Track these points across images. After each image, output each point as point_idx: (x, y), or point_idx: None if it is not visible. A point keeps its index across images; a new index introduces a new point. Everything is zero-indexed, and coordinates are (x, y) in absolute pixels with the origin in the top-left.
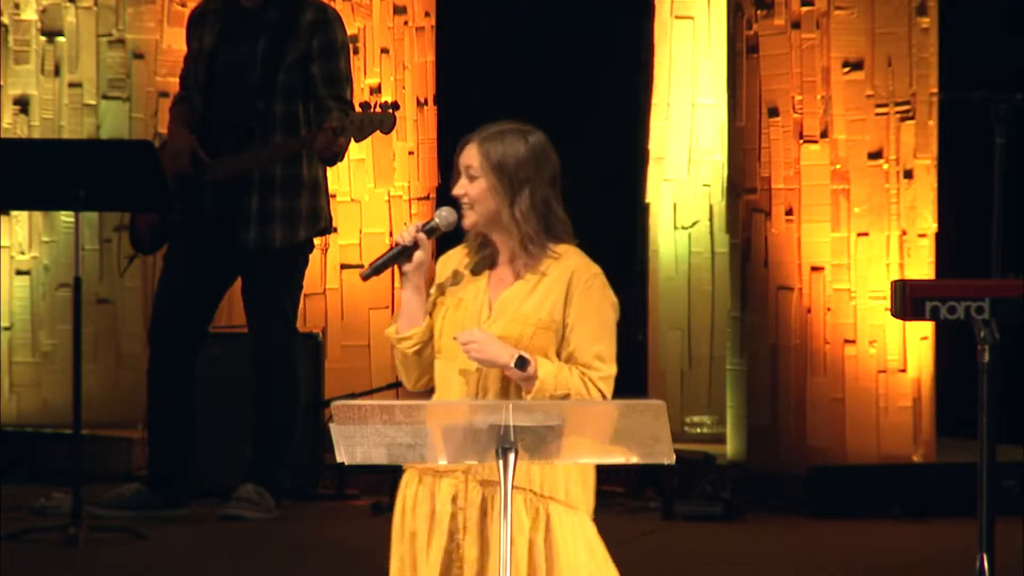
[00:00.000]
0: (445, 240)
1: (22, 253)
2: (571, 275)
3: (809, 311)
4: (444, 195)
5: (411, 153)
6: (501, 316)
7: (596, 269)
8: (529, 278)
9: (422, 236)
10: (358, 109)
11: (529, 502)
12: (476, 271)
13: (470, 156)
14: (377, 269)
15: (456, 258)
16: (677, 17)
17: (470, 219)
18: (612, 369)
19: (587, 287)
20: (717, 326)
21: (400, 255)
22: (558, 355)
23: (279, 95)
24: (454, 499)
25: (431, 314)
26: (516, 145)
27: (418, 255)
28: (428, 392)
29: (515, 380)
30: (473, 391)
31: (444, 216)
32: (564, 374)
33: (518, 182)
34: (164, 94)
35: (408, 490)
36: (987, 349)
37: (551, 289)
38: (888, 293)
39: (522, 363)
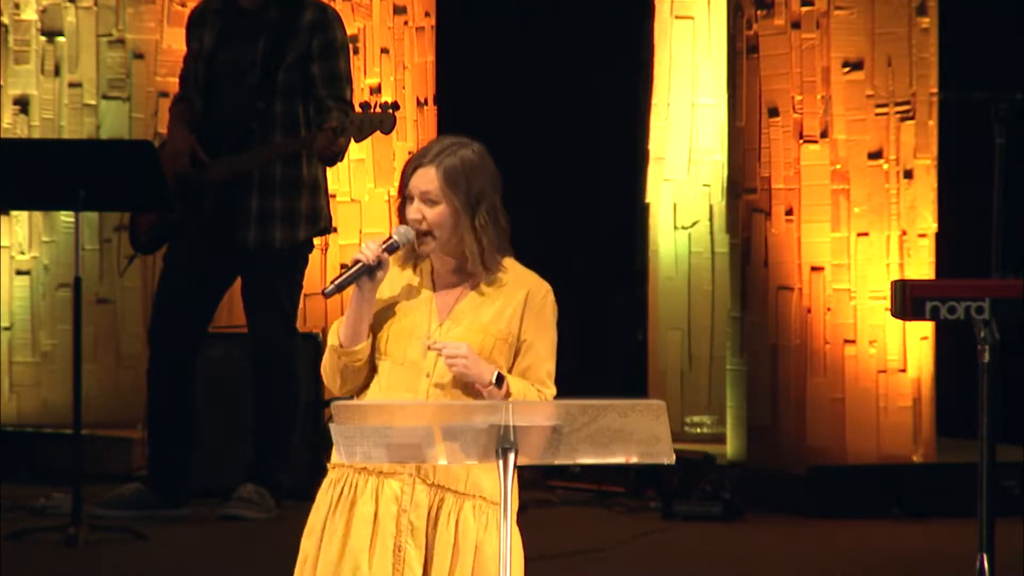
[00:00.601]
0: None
1: (22, 253)
2: (528, 291)
3: (809, 311)
4: None
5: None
6: (457, 325)
7: (547, 286)
8: (484, 289)
9: (384, 255)
10: (358, 109)
11: (479, 508)
12: (414, 278)
13: (427, 180)
14: (340, 287)
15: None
16: (677, 17)
17: (429, 246)
18: (554, 389)
19: (541, 305)
20: (717, 326)
21: (363, 273)
22: (509, 370)
23: (279, 95)
24: (397, 500)
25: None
26: (470, 160)
27: (380, 273)
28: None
29: (487, 396)
30: (423, 395)
31: (403, 233)
32: (529, 392)
33: (475, 198)
34: (164, 94)
35: (334, 489)
36: (987, 349)
37: (507, 303)
38: (888, 293)
39: (499, 381)
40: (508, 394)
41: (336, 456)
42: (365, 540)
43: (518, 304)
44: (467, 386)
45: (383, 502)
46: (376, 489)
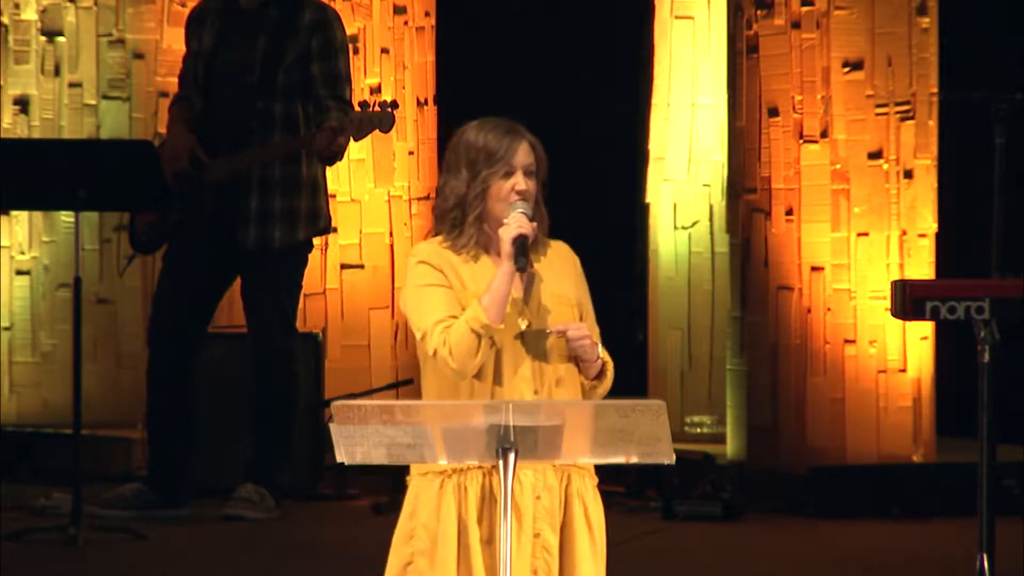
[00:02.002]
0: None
1: (22, 253)
2: (573, 258)
3: (809, 311)
4: None
5: (411, 153)
6: (546, 303)
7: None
8: (543, 262)
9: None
10: (357, 108)
11: (590, 482)
12: (474, 263)
13: (527, 153)
14: (526, 259)
15: (438, 251)
16: (677, 17)
17: (532, 217)
18: None
19: (580, 268)
20: (717, 326)
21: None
22: None
23: (278, 95)
24: (533, 487)
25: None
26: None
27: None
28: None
29: (592, 372)
30: (538, 378)
31: (525, 206)
32: (607, 359)
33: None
34: (164, 94)
35: (449, 495)
36: (987, 349)
37: (562, 270)
38: (888, 293)
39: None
40: (603, 364)
41: (340, 457)
42: (511, 533)
43: (572, 272)
44: (560, 356)
45: (519, 492)
46: (512, 483)
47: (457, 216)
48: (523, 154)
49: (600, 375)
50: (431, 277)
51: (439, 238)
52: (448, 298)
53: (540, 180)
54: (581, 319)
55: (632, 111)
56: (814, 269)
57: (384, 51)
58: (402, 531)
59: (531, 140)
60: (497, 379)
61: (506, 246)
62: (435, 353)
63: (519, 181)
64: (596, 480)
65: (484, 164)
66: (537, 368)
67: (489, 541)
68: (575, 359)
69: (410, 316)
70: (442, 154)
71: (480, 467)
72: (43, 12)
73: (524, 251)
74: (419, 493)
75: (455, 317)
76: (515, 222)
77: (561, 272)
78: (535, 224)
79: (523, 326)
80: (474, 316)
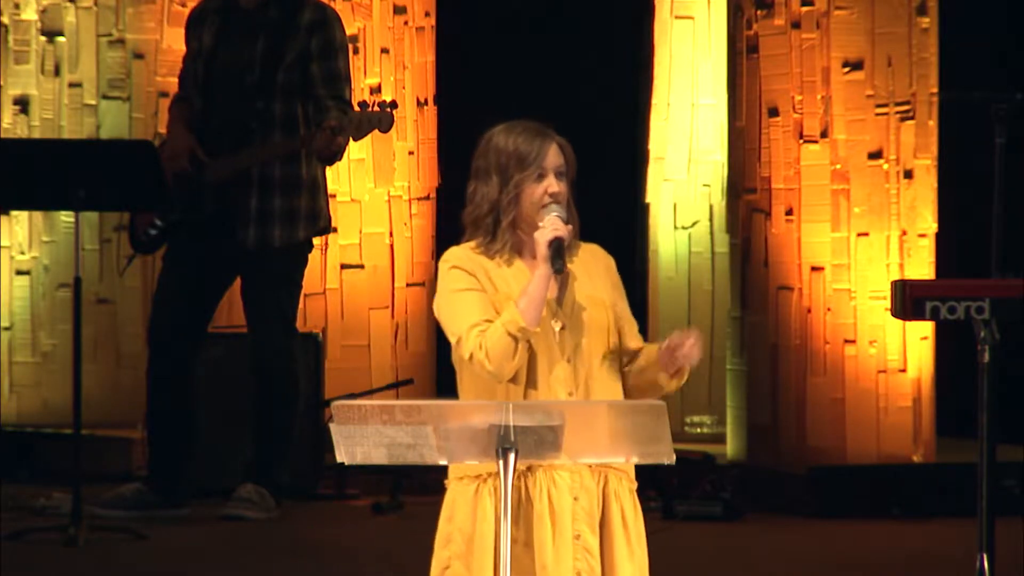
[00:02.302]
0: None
1: (22, 253)
2: (607, 259)
3: (809, 311)
4: (444, 195)
5: (411, 153)
6: (580, 304)
7: None
8: (576, 263)
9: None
10: (356, 108)
11: (627, 482)
12: (507, 267)
13: (557, 155)
14: (563, 260)
15: (471, 256)
16: (677, 17)
17: (566, 220)
18: None
19: (615, 270)
20: (717, 326)
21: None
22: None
23: (278, 95)
24: (570, 490)
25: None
26: None
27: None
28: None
29: (671, 368)
30: (572, 380)
31: (561, 208)
32: None
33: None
34: (164, 94)
35: (486, 498)
36: (987, 349)
37: (596, 271)
38: (888, 293)
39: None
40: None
41: (340, 457)
42: (547, 537)
43: (605, 271)
44: (590, 355)
45: (556, 495)
46: (548, 485)
47: (491, 222)
48: (553, 156)
49: (678, 372)
50: (465, 282)
51: (471, 243)
52: (483, 302)
53: (570, 181)
54: (616, 319)
55: (632, 111)
56: (814, 269)
57: (384, 51)
58: (440, 535)
59: (560, 141)
60: (531, 381)
61: (542, 249)
62: (471, 357)
63: (551, 183)
64: (635, 484)
65: (516, 168)
66: (571, 369)
67: (526, 543)
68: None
69: (444, 321)
70: (442, 154)
71: (515, 470)
72: (43, 12)
73: (560, 254)
74: (455, 498)
75: (490, 321)
76: (550, 225)
77: (594, 273)
78: (570, 227)
79: (557, 328)
80: (511, 319)
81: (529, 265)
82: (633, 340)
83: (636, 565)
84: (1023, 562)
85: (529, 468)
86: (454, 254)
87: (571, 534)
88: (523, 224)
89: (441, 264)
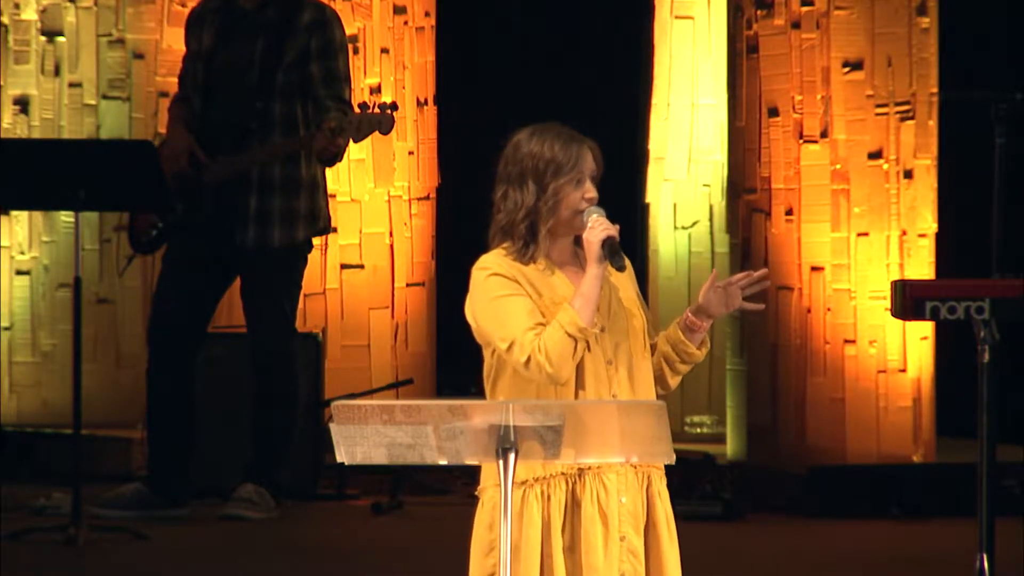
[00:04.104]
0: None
1: (22, 253)
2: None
3: (809, 311)
4: (444, 195)
5: (411, 153)
6: (615, 306)
7: None
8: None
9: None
10: (356, 110)
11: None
12: (545, 271)
13: (592, 161)
14: (621, 257)
15: (507, 262)
16: (677, 17)
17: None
18: None
19: (632, 270)
20: (717, 326)
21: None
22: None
23: (278, 95)
24: (617, 491)
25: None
26: None
27: None
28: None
29: (698, 339)
30: (615, 380)
31: (602, 211)
32: None
33: None
34: (164, 94)
35: (534, 503)
36: (987, 349)
37: (623, 276)
38: (888, 293)
39: None
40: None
41: (340, 457)
42: (597, 539)
43: (628, 273)
44: (629, 356)
45: (604, 498)
46: (597, 488)
47: (526, 228)
48: (589, 161)
49: (702, 342)
50: (508, 288)
51: (502, 249)
52: (530, 306)
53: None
54: (644, 315)
55: (632, 111)
56: (814, 269)
57: (384, 51)
58: (480, 543)
59: (591, 144)
60: (580, 383)
61: (595, 248)
62: (528, 360)
63: (589, 189)
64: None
65: (553, 175)
66: (614, 370)
67: (571, 549)
68: (687, 328)
69: (488, 328)
70: (442, 154)
71: (564, 474)
72: (43, 12)
73: (616, 250)
74: (497, 503)
75: (542, 324)
76: (600, 225)
77: (626, 276)
78: (618, 225)
79: (598, 330)
80: (570, 320)
81: (564, 270)
82: (653, 333)
83: (678, 567)
84: (1023, 562)
85: (580, 471)
86: (491, 260)
87: (618, 536)
88: (559, 230)
89: (476, 272)
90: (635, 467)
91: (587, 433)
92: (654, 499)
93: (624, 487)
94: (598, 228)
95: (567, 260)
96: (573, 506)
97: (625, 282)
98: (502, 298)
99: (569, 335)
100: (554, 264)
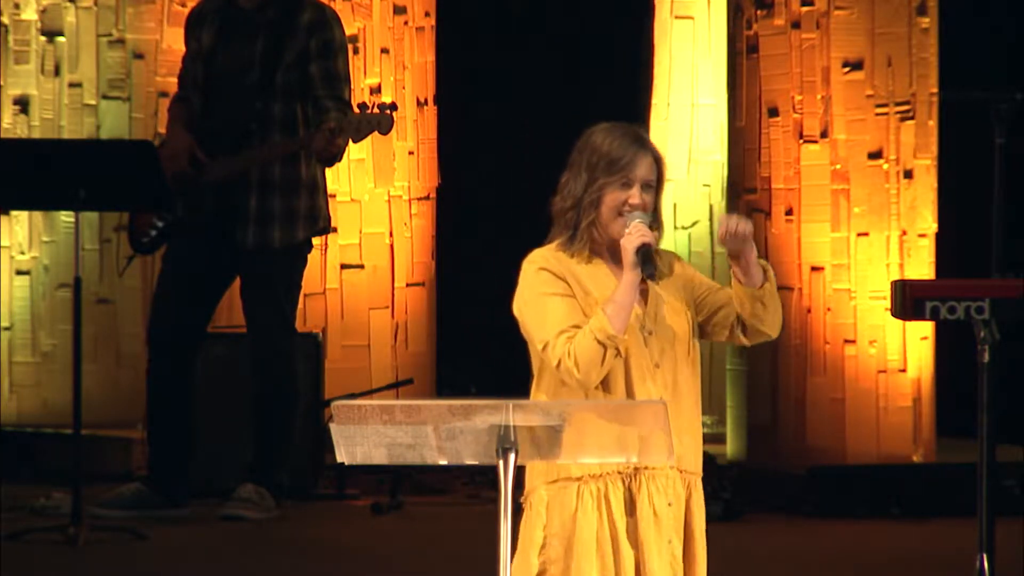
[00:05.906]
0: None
1: (22, 253)
2: (675, 258)
3: (809, 311)
4: (444, 195)
5: (411, 153)
6: (663, 311)
7: None
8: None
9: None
10: (356, 110)
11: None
12: (595, 266)
13: (649, 168)
14: (654, 265)
15: (558, 258)
16: (677, 17)
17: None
18: None
19: (684, 262)
20: None
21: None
22: (701, 308)
23: (277, 95)
24: (666, 495)
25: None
26: None
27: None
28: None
29: (756, 278)
30: (663, 385)
31: (646, 218)
32: None
33: None
34: (164, 94)
35: (589, 503)
36: (987, 349)
37: (673, 278)
38: (888, 293)
39: None
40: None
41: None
42: (652, 539)
43: (679, 272)
44: (675, 361)
45: (658, 499)
46: (651, 488)
47: (572, 217)
48: (644, 168)
49: (764, 276)
50: (553, 286)
51: (554, 244)
52: (571, 307)
53: (659, 193)
54: (711, 292)
55: (632, 111)
56: (814, 269)
57: (384, 51)
58: (529, 540)
59: (656, 154)
60: (628, 389)
61: (629, 255)
62: (559, 364)
63: (634, 195)
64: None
65: (603, 171)
66: (660, 375)
67: (632, 548)
68: (736, 265)
69: (529, 325)
70: (442, 154)
71: (620, 472)
72: (43, 12)
73: (650, 259)
74: (549, 501)
75: (578, 327)
76: (636, 231)
77: (670, 279)
78: (656, 233)
79: (645, 335)
80: (600, 327)
81: (610, 268)
82: (723, 293)
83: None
84: (1023, 562)
85: (635, 471)
86: (542, 256)
87: (666, 538)
88: (600, 227)
89: (527, 265)
90: (680, 472)
91: (587, 433)
92: (693, 507)
93: (672, 493)
94: (635, 235)
95: (620, 261)
96: (631, 506)
97: (668, 284)
98: (544, 296)
99: (598, 341)
100: (601, 259)
